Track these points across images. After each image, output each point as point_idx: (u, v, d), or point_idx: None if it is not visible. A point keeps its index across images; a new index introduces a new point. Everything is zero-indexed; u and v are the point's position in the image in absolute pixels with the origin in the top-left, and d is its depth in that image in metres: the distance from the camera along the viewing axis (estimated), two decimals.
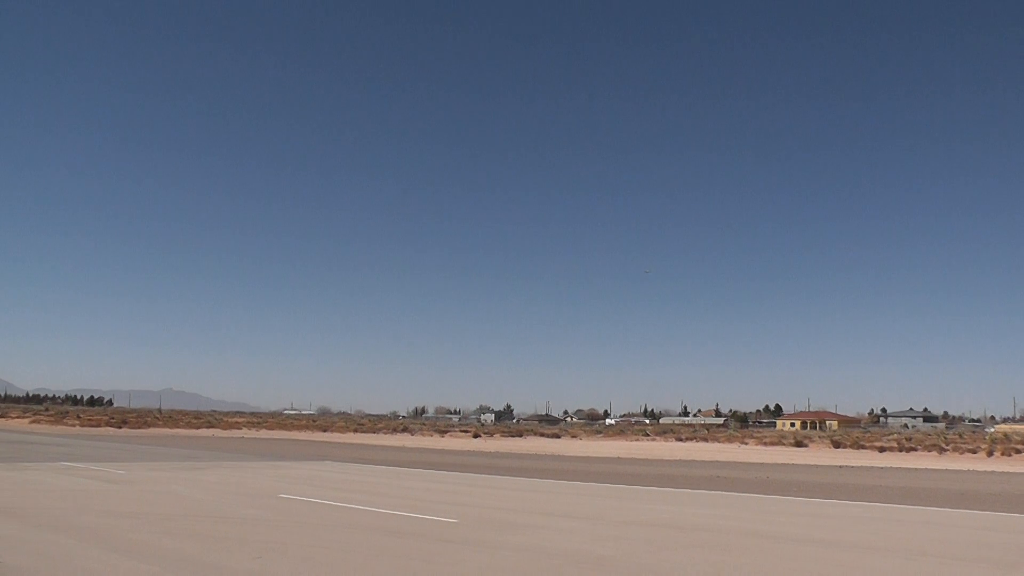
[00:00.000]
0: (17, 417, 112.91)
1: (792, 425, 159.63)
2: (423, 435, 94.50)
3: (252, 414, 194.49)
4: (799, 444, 75.27)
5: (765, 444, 78.10)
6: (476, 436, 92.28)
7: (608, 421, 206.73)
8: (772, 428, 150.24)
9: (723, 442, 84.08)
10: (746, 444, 79.30)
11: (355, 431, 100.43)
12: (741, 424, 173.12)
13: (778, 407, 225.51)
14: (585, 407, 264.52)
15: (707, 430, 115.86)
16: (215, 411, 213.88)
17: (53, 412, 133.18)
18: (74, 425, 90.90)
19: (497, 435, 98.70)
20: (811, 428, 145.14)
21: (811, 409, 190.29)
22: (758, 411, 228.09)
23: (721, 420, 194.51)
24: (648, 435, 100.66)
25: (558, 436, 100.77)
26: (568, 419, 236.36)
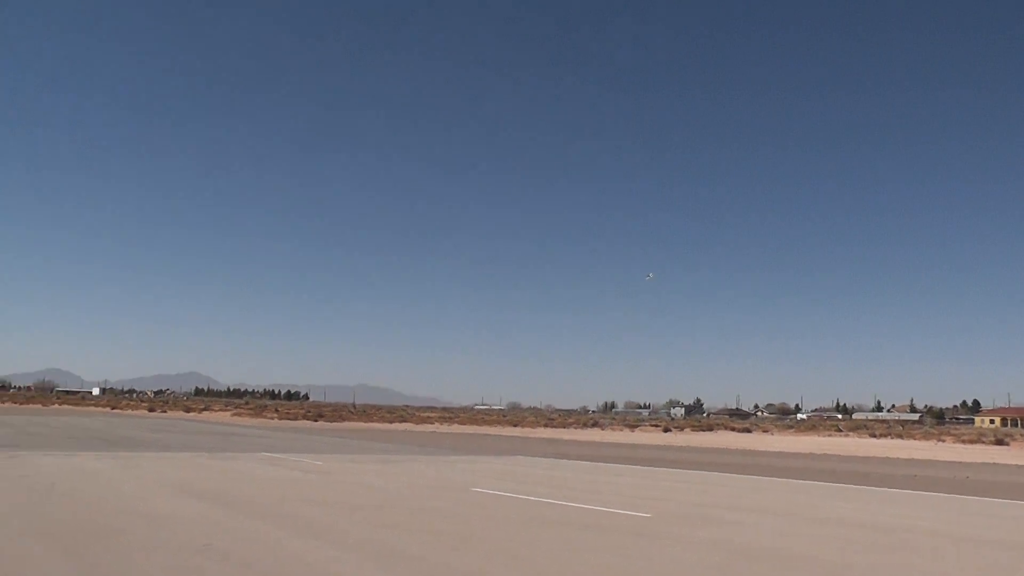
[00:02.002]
0: (220, 410, 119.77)
1: (991, 422, 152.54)
2: (613, 430, 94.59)
3: (444, 409, 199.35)
4: (999, 442, 72.02)
5: (963, 442, 74.95)
6: (666, 430, 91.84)
7: (799, 416, 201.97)
8: (970, 425, 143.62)
9: (918, 439, 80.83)
10: (943, 442, 76.11)
11: (545, 426, 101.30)
12: (937, 420, 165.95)
13: (976, 403, 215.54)
14: (776, 401, 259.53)
15: (901, 426, 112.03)
16: (408, 406, 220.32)
17: (253, 406, 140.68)
18: (272, 418, 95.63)
19: (687, 429, 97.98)
20: (1012, 426, 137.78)
21: (1012, 405, 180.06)
22: (955, 406, 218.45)
23: (916, 416, 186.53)
24: (840, 431, 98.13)
25: (748, 431, 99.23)
26: (758, 413, 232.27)
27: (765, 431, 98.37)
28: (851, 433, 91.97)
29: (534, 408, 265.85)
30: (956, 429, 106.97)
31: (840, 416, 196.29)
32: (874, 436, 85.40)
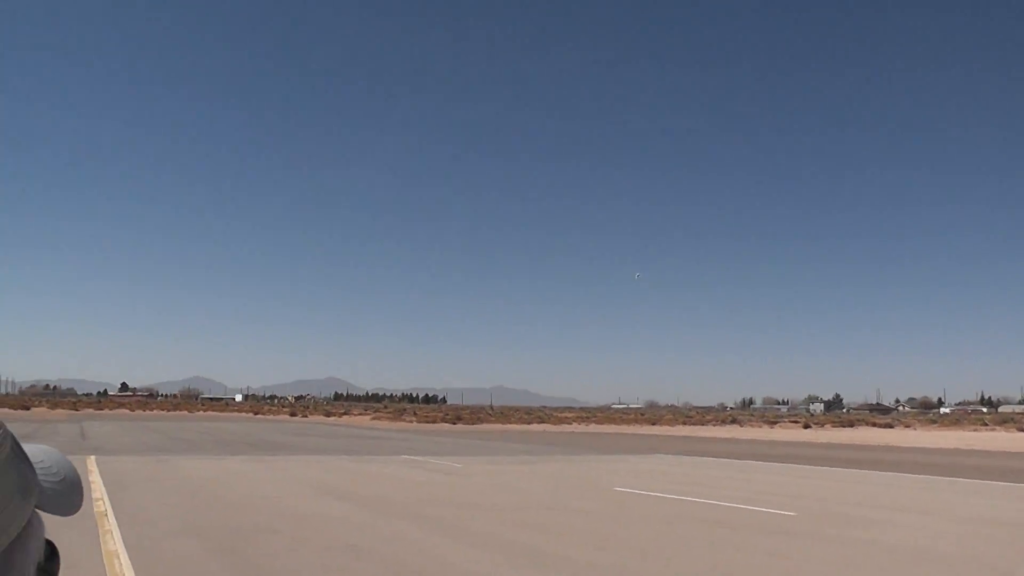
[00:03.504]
0: (359, 414, 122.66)
1: None
2: (752, 426, 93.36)
3: (581, 409, 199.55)
4: None
5: None
6: (806, 427, 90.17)
7: (942, 410, 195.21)
8: None
9: None
10: None
11: (683, 424, 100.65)
12: None
13: None
14: (917, 395, 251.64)
15: None
16: (545, 407, 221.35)
17: (392, 410, 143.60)
18: (411, 421, 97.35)
19: (827, 425, 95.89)
20: None
21: None
22: None
23: None
24: (986, 425, 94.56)
25: (890, 426, 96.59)
26: (899, 407, 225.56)
27: (907, 426, 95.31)
28: (998, 427, 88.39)
29: (671, 406, 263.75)
30: None
31: (985, 410, 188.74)
32: (1023, 430, 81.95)
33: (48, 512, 1.11)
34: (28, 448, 1.14)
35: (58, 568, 1.16)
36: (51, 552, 1.14)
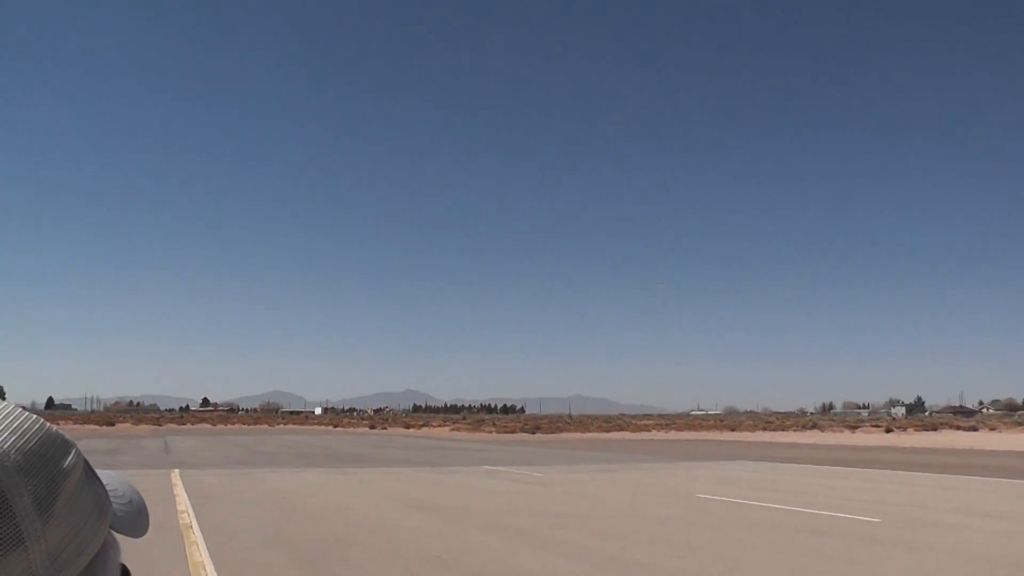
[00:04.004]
0: (438, 426, 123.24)
1: None
2: (832, 431, 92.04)
3: (660, 416, 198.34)
4: None
5: None
6: (888, 431, 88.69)
7: None
8: None
9: None
10: None
11: (763, 429, 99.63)
12: None
13: None
14: (1002, 396, 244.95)
15: None
16: (623, 414, 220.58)
17: (470, 420, 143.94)
18: (490, 432, 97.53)
19: (910, 429, 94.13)
20: None
21: None
22: None
23: None
24: None
25: (974, 429, 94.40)
26: (984, 410, 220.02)
27: (992, 429, 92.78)
28: None
29: (751, 412, 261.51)
30: None
31: None
32: None
33: (118, 532, 1.14)
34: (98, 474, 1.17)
35: None
36: (124, 573, 1.17)
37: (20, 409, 1.05)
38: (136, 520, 1.17)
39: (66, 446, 1.07)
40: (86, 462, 1.10)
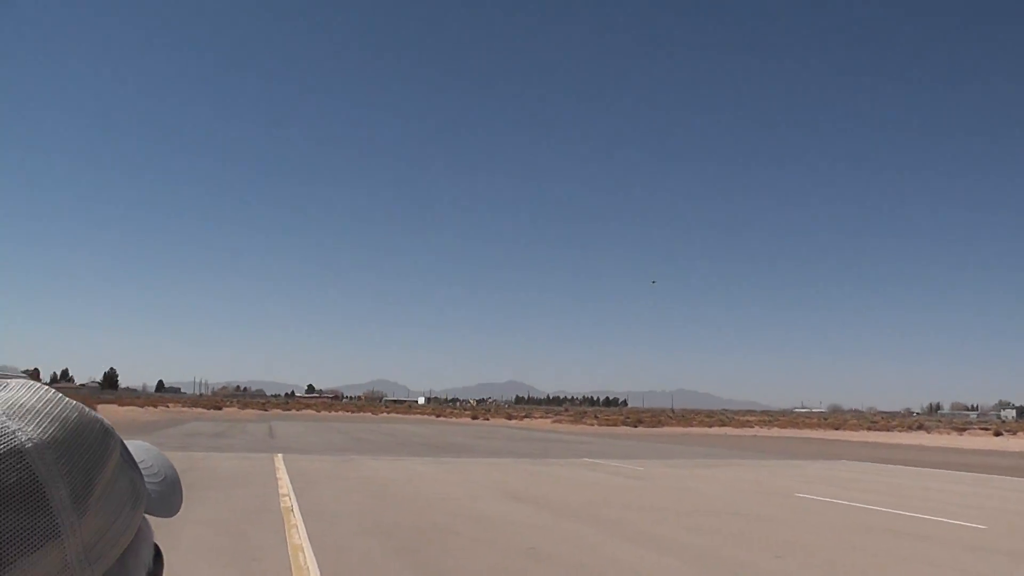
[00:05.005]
0: (540, 417, 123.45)
1: None
2: (939, 433, 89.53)
3: (763, 412, 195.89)
4: None
5: None
6: (997, 434, 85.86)
7: None
8: None
9: None
10: None
11: (868, 429, 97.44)
12: None
13: None
14: None
15: None
16: (726, 410, 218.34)
17: (572, 413, 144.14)
18: (592, 424, 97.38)
19: (1020, 433, 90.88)
20: None
21: None
22: None
23: None
24: None
25: None
26: None
27: None
28: None
29: (855, 411, 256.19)
30: None
31: None
32: None
33: (150, 514, 1.12)
34: (130, 445, 1.15)
35: (162, 570, 1.18)
36: (156, 554, 1.14)
37: (59, 395, 1.03)
38: (169, 499, 1.14)
39: (104, 433, 1.04)
40: (123, 447, 1.09)
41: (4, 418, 0.97)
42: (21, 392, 1.01)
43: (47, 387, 1.03)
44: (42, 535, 0.93)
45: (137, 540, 1.06)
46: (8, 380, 1.03)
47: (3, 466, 0.94)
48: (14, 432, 0.96)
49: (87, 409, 1.04)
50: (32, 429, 0.97)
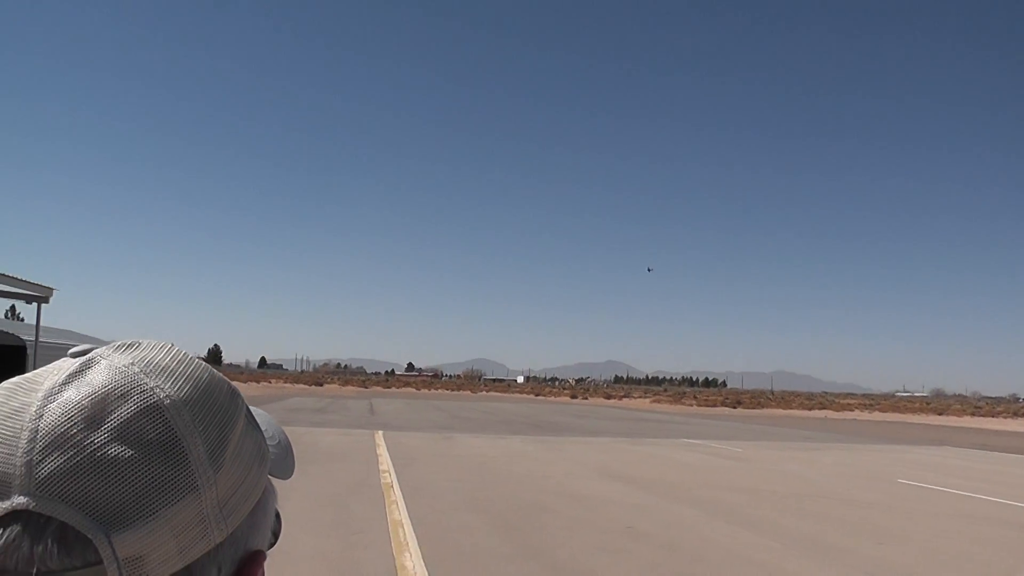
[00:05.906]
0: (639, 397, 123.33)
1: None
2: None
3: (864, 396, 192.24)
4: None
5: None
6: None
7: None
8: None
9: None
10: None
11: (971, 415, 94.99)
12: None
13: None
14: None
15: None
16: (826, 393, 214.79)
17: (671, 393, 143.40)
18: (691, 405, 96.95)
19: None
20: None
21: None
22: None
23: None
24: None
25: None
26: None
27: None
28: None
29: (959, 395, 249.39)
30: None
31: None
32: None
33: (270, 476, 1.15)
34: None
35: (280, 528, 1.23)
36: (276, 518, 1.18)
37: (190, 355, 1.08)
38: (284, 461, 1.20)
39: (233, 393, 1.10)
40: (248, 409, 1.13)
41: (142, 375, 1.02)
42: (154, 352, 1.06)
43: (178, 348, 1.08)
44: (182, 488, 0.98)
45: (265, 496, 1.11)
46: (139, 340, 1.12)
47: (145, 420, 0.99)
48: (152, 389, 1.01)
49: (215, 370, 1.09)
50: (169, 386, 1.02)
